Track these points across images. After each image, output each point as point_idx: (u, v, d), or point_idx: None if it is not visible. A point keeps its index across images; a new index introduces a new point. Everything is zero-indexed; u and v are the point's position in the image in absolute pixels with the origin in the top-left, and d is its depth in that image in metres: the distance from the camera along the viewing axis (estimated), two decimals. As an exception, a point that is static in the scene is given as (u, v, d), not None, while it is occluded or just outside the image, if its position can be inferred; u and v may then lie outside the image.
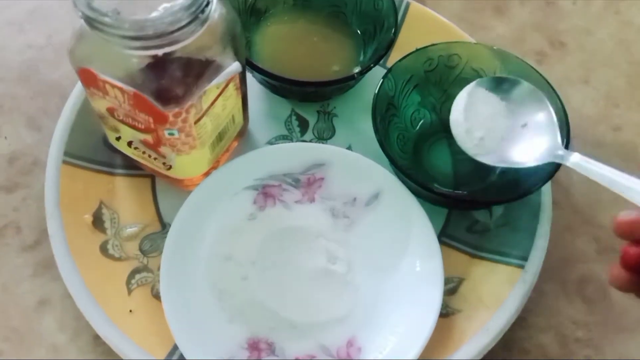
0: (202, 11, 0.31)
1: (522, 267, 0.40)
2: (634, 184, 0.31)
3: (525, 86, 0.40)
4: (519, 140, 0.39)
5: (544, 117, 0.39)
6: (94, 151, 0.43)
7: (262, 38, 0.47)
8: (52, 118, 0.46)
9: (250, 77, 0.44)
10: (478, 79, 0.41)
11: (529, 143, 0.39)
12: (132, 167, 0.43)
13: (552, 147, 0.37)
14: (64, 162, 0.42)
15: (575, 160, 0.35)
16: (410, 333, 0.37)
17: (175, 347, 0.36)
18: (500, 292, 0.39)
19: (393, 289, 0.39)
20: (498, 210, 0.43)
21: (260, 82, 0.46)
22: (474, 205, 0.42)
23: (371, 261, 0.40)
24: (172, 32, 0.30)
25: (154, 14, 0.31)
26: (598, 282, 0.42)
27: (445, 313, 0.39)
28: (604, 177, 0.33)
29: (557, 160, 0.36)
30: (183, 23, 0.30)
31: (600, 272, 0.43)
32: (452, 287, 0.40)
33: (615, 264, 0.29)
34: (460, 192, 0.42)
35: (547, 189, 0.42)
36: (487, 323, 0.38)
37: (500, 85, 0.41)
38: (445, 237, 0.42)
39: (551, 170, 0.38)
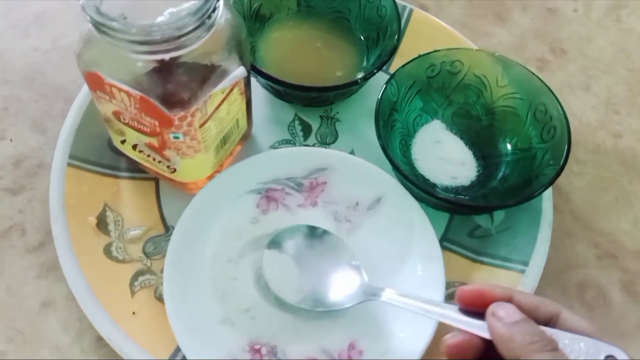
0: (209, 17, 0.31)
1: (522, 272, 0.40)
2: (446, 311, 0.31)
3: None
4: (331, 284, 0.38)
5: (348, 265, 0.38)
6: (98, 154, 0.43)
7: (266, 43, 0.48)
8: (56, 121, 0.46)
9: (254, 82, 0.45)
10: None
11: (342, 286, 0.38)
12: (136, 170, 0.43)
13: (364, 287, 0.37)
14: (69, 164, 0.42)
15: (387, 296, 0.35)
16: (411, 337, 0.37)
17: (177, 349, 0.37)
18: (501, 297, 0.39)
19: (395, 292, 0.39)
20: (499, 215, 0.43)
21: (264, 87, 0.46)
22: (475, 210, 0.43)
23: (373, 265, 0.40)
24: (179, 37, 0.31)
25: (161, 19, 0.31)
26: (597, 287, 0.43)
27: (447, 317, 0.39)
28: (416, 308, 0.33)
29: (373, 299, 0.36)
30: (190, 28, 0.31)
31: (600, 277, 0.43)
32: (453, 292, 0.41)
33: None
34: (461, 197, 0.43)
35: (548, 195, 0.43)
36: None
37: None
38: (446, 241, 0.43)
39: (552, 176, 0.39)
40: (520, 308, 0.28)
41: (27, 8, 0.54)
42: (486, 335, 0.28)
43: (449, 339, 0.30)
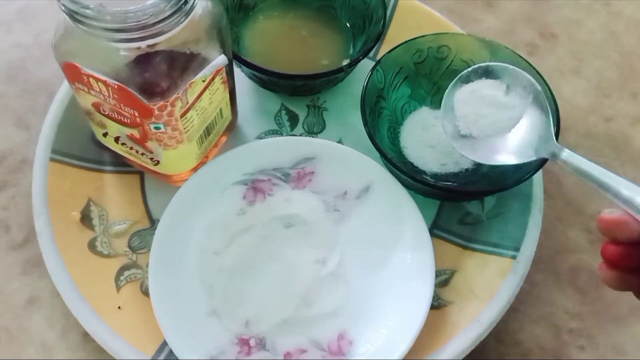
0: (185, 3, 0.31)
1: (514, 258, 0.39)
2: (623, 185, 0.29)
3: (521, 77, 0.39)
4: (511, 136, 0.39)
5: (538, 113, 0.38)
6: (82, 148, 0.43)
7: (251, 33, 0.47)
8: (40, 116, 0.46)
9: (240, 72, 0.44)
10: (471, 68, 0.41)
11: (521, 140, 0.38)
12: (120, 164, 0.43)
13: (546, 142, 0.36)
14: (52, 159, 0.41)
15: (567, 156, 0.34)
16: (401, 325, 0.36)
17: (164, 344, 0.36)
18: (492, 284, 0.39)
19: (384, 281, 0.39)
20: (490, 201, 0.43)
21: (249, 77, 0.46)
22: (464, 196, 0.42)
23: (362, 254, 0.40)
24: (155, 23, 0.30)
25: (137, 6, 0.30)
26: (590, 272, 0.42)
27: (437, 305, 0.39)
28: (593, 176, 0.32)
29: (549, 157, 0.36)
30: (166, 14, 0.30)
31: (592, 262, 0.42)
32: (444, 279, 0.40)
33: (602, 263, 0.29)
34: (450, 183, 0.42)
35: (538, 180, 0.42)
36: (479, 314, 0.38)
37: (494, 74, 0.40)
38: (437, 229, 0.42)
39: (541, 161, 0.38)
40: None
41: (10, 4, 0.53)
42: None
43: (606, 214, 0.28)
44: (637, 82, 0.51)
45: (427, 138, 0.44)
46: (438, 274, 0.39)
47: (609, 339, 0.40)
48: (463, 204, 0.43)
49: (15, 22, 0.52)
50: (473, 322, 0.37)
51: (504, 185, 0.39)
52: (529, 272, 0.39)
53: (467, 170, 0.43)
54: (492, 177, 0.42)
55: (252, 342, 0.37)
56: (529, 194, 0.42)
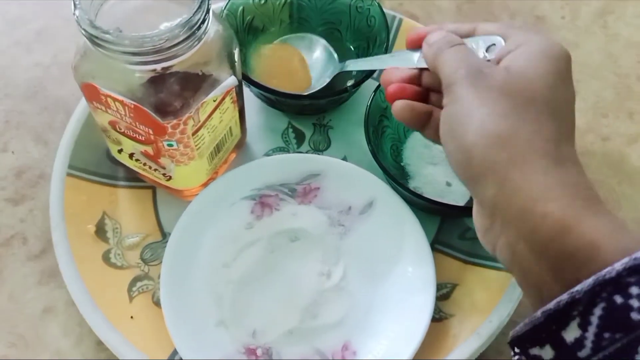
0: (198, 28, 0.33)
1: (512, 272, 0.41)
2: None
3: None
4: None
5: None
6: (97, 164, 0.44)
7: (259, 55, 0.49)
8: (57, 133, 0.48)
9: (248, 92, 0.46)
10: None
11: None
12: (134, 179, 0.44)
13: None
14: (69, 174, 0.43)
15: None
16: (403, 337, 0.38)
17: (174, 352, 0.38)
18: (492, 297, 0.40)
19: (386, 294, 0.40)
20: (489, 217, 0.44)
21: (258, 97, 0.47)
22: (464, 212, 0.43)
23: (365, 268, 0.41)
24: (170, 47, 0.32)
25: (154, 31, 0.32)
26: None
27: (439, 318, 0.40)
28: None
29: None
30: (180, 39, 0.32)
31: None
32: (445, 293, 0.41)
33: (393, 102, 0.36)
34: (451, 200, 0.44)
35: (536, 196, 0.43)
36: (479, 327, 0.39)
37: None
38: (438, 244, 0.43)
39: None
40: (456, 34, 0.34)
41: (30, 26, 0.55)
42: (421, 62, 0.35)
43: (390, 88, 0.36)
44: (634, 102, 0.52)
45: (428, 156, 0.46)
46: (439, 287, 0.41)
47: (606, 352, 0.41)
48: (463, 219, 0.44)
49: (34, 43, 0.54)
50: (473, 334, 0.38)
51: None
52: (527, 286, 0.40)
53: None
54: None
55: (258, 352, 0.38)
56: (527, 210, 0.43)
